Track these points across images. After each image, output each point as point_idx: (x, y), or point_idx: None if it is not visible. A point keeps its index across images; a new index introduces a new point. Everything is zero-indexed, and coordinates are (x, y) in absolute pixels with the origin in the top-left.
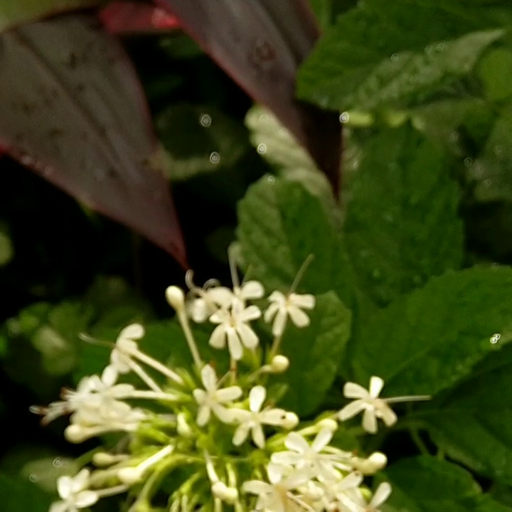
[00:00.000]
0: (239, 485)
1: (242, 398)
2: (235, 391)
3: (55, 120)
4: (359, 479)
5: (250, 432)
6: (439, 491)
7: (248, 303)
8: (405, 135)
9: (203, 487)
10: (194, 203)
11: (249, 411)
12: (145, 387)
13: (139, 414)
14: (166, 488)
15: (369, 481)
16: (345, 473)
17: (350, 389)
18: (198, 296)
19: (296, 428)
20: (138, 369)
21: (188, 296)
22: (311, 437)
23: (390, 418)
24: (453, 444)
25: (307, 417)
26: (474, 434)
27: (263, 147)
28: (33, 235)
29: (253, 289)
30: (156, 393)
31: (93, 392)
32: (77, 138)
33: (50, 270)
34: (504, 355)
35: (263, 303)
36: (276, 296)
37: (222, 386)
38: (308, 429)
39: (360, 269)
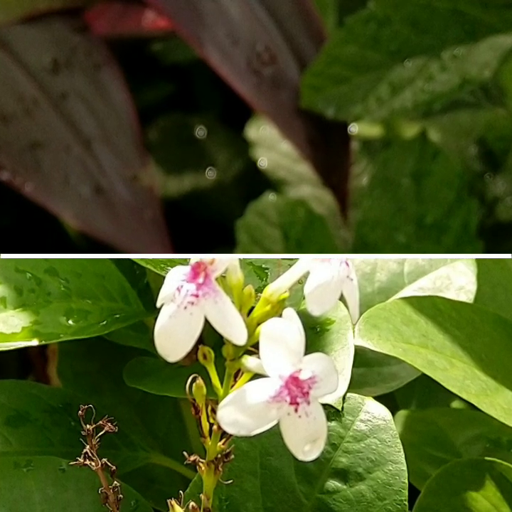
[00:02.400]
0: None
1: None
2: None
3: (36, 131)
4: None
5: None
6: None
7: None
8: (419, 148)
9: None
10: (188, 222)
11: None
12: None
13: None
14: None
15: None
16: None
17: None
18: None
19: None
20: None
21: None
22: None
23: None
24: None
25: None
26: None
27: (264, 161)
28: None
29: None
30: None
31: None
32: (60, 151)
33: None
34: None
35: None
36: None
37: None
38: None
39: None
